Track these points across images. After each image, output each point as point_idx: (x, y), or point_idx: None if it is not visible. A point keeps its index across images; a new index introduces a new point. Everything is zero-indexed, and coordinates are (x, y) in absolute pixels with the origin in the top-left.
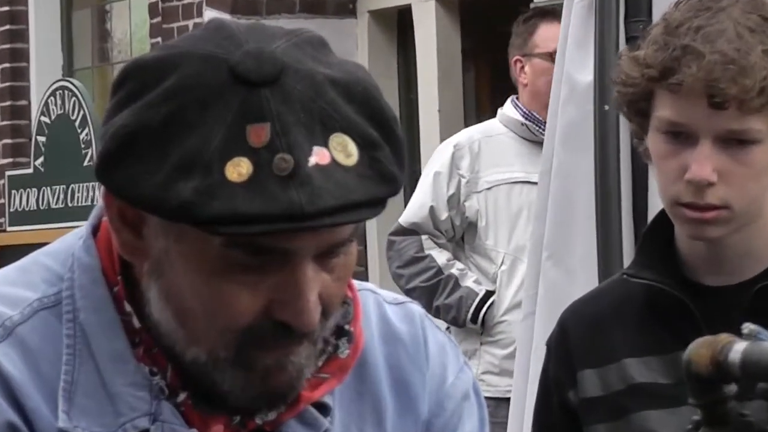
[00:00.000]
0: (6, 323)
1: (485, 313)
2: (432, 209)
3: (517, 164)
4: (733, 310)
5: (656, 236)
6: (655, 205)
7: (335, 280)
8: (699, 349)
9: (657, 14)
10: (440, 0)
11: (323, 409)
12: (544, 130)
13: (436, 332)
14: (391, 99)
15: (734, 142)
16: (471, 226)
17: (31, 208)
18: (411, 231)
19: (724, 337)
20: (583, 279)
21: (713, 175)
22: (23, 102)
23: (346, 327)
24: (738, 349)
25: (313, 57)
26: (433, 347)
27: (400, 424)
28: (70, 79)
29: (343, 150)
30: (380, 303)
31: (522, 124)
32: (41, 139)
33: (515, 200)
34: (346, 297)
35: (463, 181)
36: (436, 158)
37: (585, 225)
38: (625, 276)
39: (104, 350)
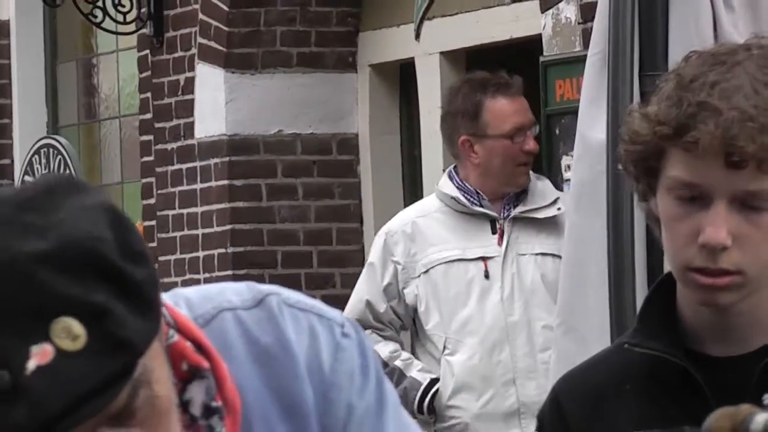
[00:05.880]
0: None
1: (430, 400)
2: (368, 303)
3: (452, 240)
4: (741, 382)
5: (658, 304)
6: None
7: None
8: (719, 420)
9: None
10: (445, 53)
11: None
12: (477, 201)
13: (299, 320)
14: (393, 157)
15: (749, 204)
16: (416, 313)
17: None
18: None
19: (745, 407)
20: (596, 349)
21: (728, 239)
22: (6, 161)
23: (213, 404)
24: (759, 420)
25: (24, 226)
26: (298, 344)
27: None
28: (56, 137)
29: (68, 334)
30: (240, 319)
31: (452, 197)
32: None
33: (453, 280)
34: (202, 370)
35: (399, 268)
36: (372, 248)
37: (599, 292)
38: (626, 346)
39: None
